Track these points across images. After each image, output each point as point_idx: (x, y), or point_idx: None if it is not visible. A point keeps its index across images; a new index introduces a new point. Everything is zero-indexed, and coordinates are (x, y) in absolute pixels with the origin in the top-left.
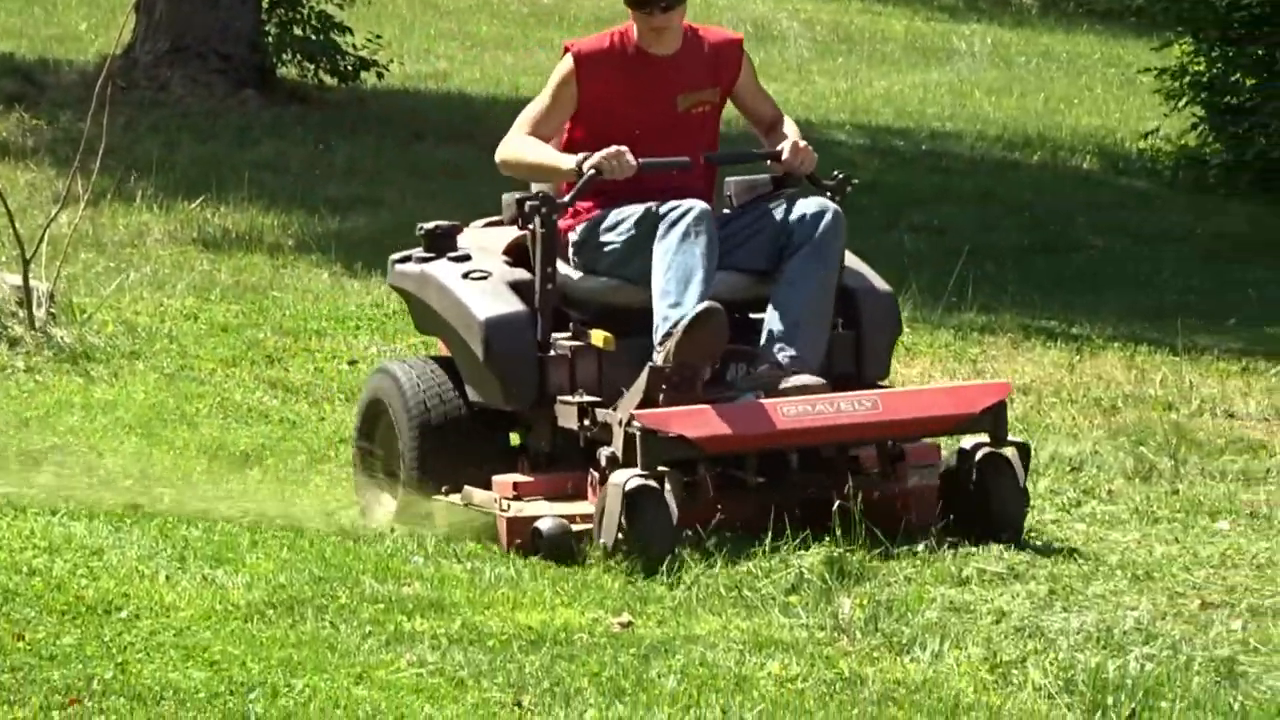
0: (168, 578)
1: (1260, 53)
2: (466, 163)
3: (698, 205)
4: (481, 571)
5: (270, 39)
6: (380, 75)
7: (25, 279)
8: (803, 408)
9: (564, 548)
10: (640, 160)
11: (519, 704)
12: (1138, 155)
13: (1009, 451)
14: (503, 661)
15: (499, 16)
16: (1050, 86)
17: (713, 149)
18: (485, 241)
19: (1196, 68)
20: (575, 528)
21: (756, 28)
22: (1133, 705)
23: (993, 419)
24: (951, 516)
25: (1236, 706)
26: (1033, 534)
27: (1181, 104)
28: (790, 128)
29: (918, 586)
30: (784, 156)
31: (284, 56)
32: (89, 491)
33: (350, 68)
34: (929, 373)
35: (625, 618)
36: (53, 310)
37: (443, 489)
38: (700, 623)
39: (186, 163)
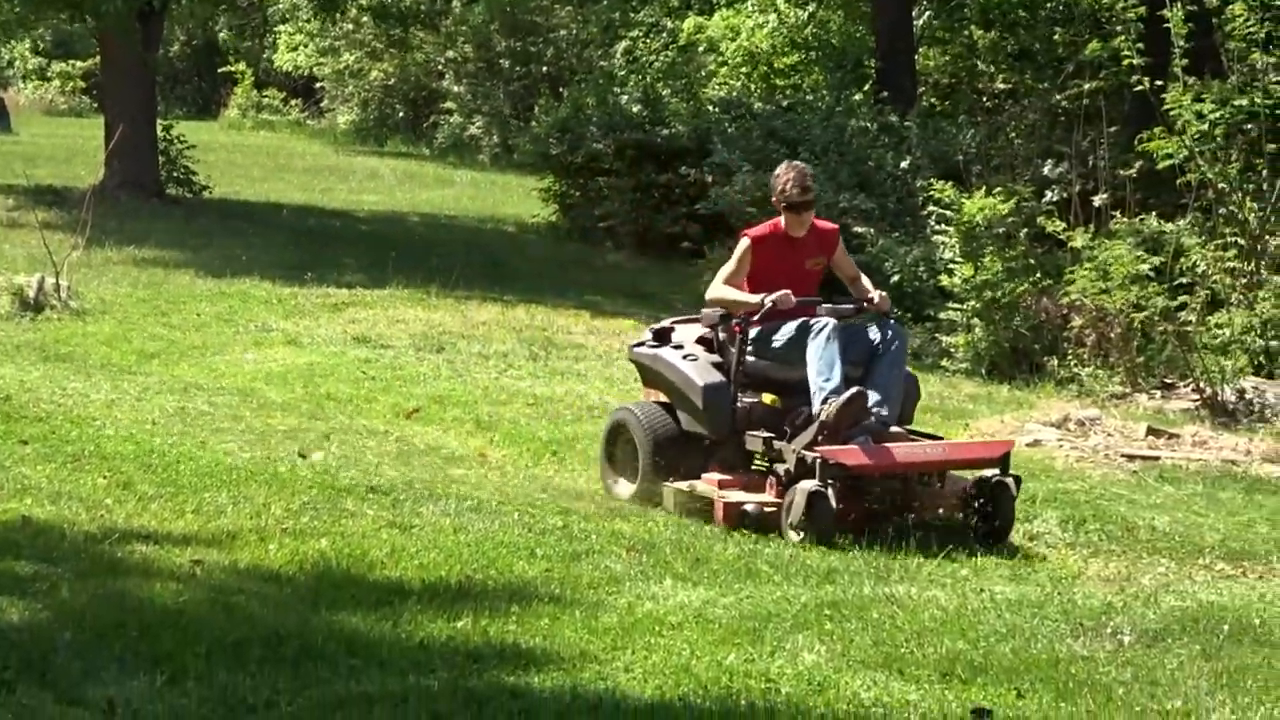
0: (116, 405)
1: (583, 181)
2: (247, 229)
3: (832, 321)
4: (262, 410)
5: (164, 176)
6: (210, 192)
7: (57, 281)
8: (906, 449)
9: (761, 524)
10: (797, 299)
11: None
12: (531, 225)
13: (1009, 480)
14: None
15: (261, 167)
16: (495, 197)
17: (819, 286)
18: (686, 334)
19: (557, 188)
20: (766, 510)
21: (370, 171)
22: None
23: (1003, 460)
24: (974, 518)
25: None
26: None
27: (550, 203)
28: (865, 280)
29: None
30: (875, 302)
31: (170, 185)
32: (86, 373)
33: (199, 189)
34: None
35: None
36: (70, 295)
37: (670, 479)
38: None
39: (129, 231)
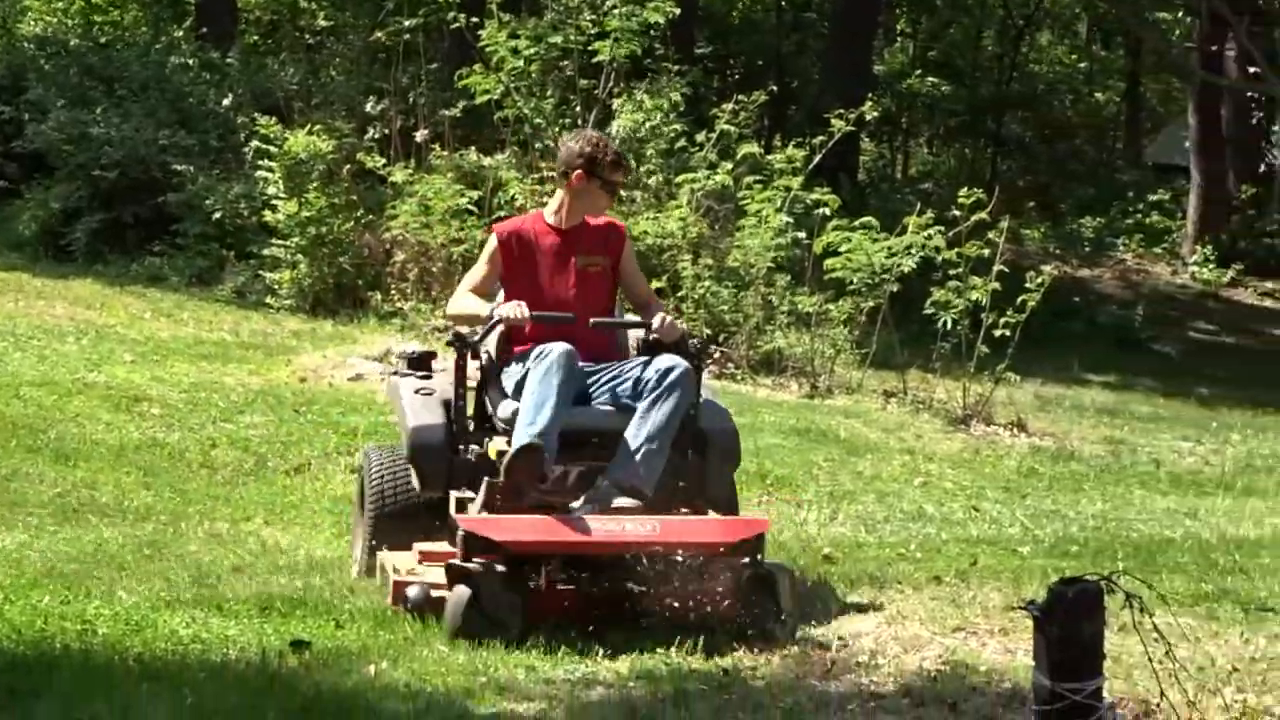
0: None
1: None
2: None
3: (562, 347)
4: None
5: None
6: None
7: None
8: (603, 524)
9: (426, 609)
10: (533, 313)
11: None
12: None
13: (773, 573)
14: None
15: None
16: None
17: (610, 301)
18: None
19: None
20: (434, 594)
21: None
22: None
23: (752, 546)
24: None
25: None
26: None
27: None
28: (660, 306)
29: None
30: (655, 326)
31: None
32: None
33: None
34: None
35: None
36: None
37: (384, 546)
38: None
39: None
